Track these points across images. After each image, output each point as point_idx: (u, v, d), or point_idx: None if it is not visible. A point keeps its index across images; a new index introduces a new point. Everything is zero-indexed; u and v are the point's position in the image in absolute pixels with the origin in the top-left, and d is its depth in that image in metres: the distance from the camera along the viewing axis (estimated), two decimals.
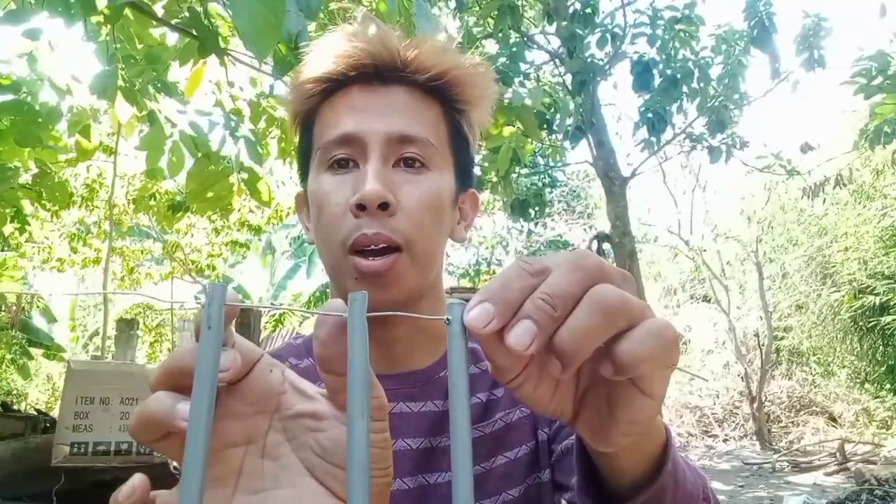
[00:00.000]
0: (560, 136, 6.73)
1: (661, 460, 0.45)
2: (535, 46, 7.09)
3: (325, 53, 0.67)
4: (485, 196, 7.51)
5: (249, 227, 8.02)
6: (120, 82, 2.33)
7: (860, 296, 8.13)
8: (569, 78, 6.46)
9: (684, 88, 6.44)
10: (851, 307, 8.22)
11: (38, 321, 9.10)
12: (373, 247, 0.61)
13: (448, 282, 12.31)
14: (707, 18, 6.45)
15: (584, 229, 14.19)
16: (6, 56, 2.58)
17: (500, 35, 6.37)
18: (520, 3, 6.46)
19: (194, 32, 1.87)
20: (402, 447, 0.67)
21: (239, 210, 7.60)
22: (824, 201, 7.89)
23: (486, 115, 0.73)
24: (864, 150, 5.77)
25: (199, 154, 2.58)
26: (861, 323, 8.32)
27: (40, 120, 2.53)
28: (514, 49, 6.36)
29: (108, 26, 2.29)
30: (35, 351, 8.51)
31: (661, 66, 6.42)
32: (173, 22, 2.01)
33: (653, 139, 6.60)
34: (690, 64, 6.42)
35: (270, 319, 10.45)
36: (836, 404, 9.23)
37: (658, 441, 0.44)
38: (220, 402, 0.34)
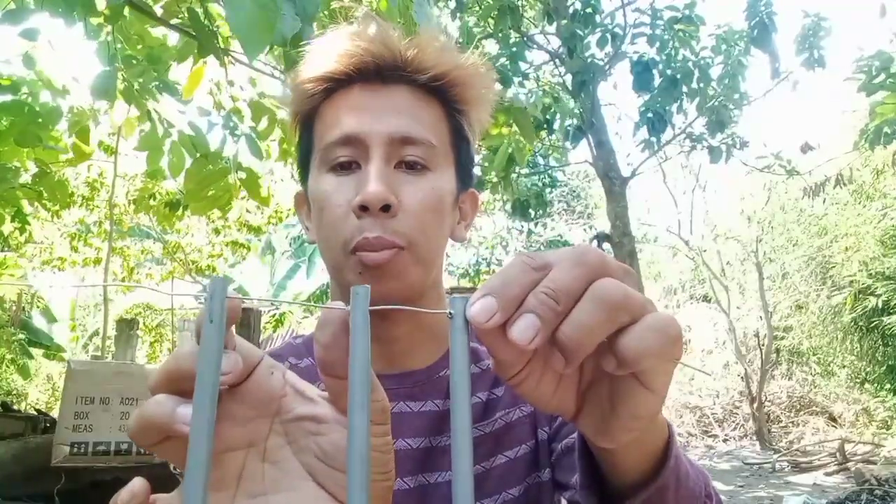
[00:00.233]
0: (560, 136, 6.73)
1: (664, 458, 0.45)
2: (535, 46, 7.09)
3: (327, 53, 0.67)
4: (485, 196, 7.51)
5: (249, 227, 8.01)
6: (119, 83, 2.34)
7: (860, 296, 8.13)
8: (569, 78, 6.46)
9: (684, 88, 6.44)
10: (853, 309, 8.22)
11: (39, 321, 9.09)
12: (374, 249, 0.61)
13: (448, 282, 12.31)
14: (707, 18, 6.45)
15: (584, 229, 14.19)
16: (6, 56, 2.58)
17: (500, 35, 6.37)
18: (520, 3, 6.46)
19: (193, 33, 1.87)
20: (402, 447, 0.67)
21: (238, 210, 7.60)
22: (824, 201, 7.89)
23: (487, 114, 0.73)
24: (864, 150, 5.77)
25: (198, 154, 2.57)
26: (861, 323, 8.32)
27: (40, 120, 2.53)
28: (514, 49, 6.36)
29: (109, 26, 2.29)
30: (35, 351, 8.50)
31: (661, 66, 6.43)
32: (172, 22, 2.02)
33: (653, 139, 6.60)
34: (690, 64, 6.42)
35: (271, 320, 10.45)
36: (836, 404, 9.23)
37: (660, 438, 0.44)
38: (221, 405, 0.34)
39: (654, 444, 0.44)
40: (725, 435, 9.59)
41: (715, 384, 10.30)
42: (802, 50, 6.34)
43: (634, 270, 0.36)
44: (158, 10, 2.00)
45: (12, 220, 3.34)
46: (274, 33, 1.12)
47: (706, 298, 11.79)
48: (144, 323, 9.48)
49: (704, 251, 10.87)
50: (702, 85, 6.50)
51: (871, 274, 7.96)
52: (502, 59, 6.07)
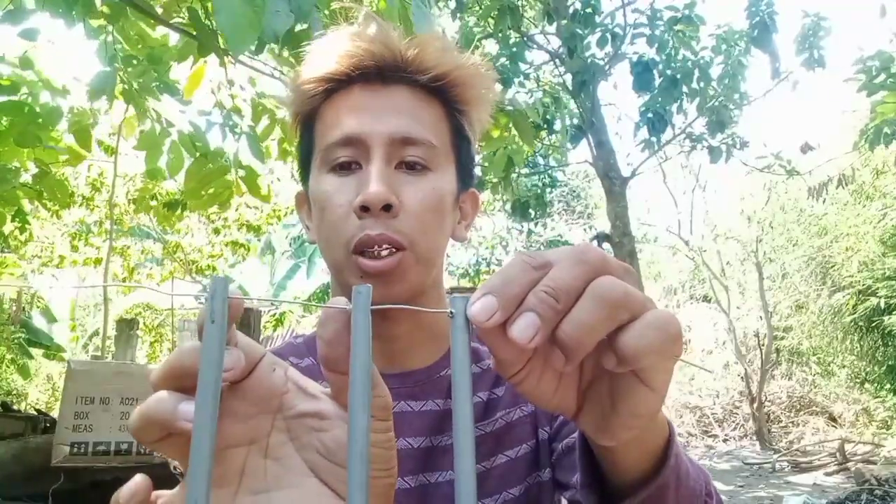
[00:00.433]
0: (560, 137, 6.73)
1: (664, 456, 0.45)
2: (535, 46, 7.09)
3: (327, 53, 0.66)
4: (485, 196, 7.52)
5: (248, 226, 8.01)
6: (119, 83, 2.34)
7: (861, 296, 8.13)
8: (569, 78, 6.46)
9: (684, 88, 6.44)
10: (854, 309, 8.22)
11: (39, 321, 9.10)
12: (376, 248, 0.61)
13: (448, 282, 12.31)
14: (707, 18, 6.45)
15: (584, 229, 14.19)
16: (7, 56, 2.58)
17: (500, 35, 6.37)
18: (520, 3, 6.46)
19: (193, 32, 1.87)
20: (403, 446, 0.67)
21: (237, 209, 7.61)
22: (824, 201, 7.89)
23: (487, 114, 0.73)
24: (864, 150, 5.77)
25: (198, 153, 2.58)
26: (861, 323, 8.32)
27: (40, 121, 2.53)
28: (514, 49, 6.36)
29: (109, 27, 2.29)
30: (35, 351, 8.50)
31: (661, 66, 6.42)
32: (172, 22, 2.01)
33: (653, 139, 6.60)
34: (690, 64, 6.42)
35: (271, 319, 10.45)
36: (836, 404, 9.23)
37: (661, 437, 0.44)
38: (223, 401, 0.34)
39: (655, 443, 0.44)
40: (725, 435, 9.59)
41: (715, 384, 10.30)
42: (802, 50, 6.33)
43: (634, 269, 0.36)
44: (159, 11, 2.00)
45: (12, 220, 3.34)
46: (260, 30, 1.12)
47: (706, 298, 11.79)
48: (144, 323, 9.48)
49: (704, 251, 10.87)
50: (702, 85, 6.50)
51: (871, 274, 7.96)
52: (502, 59, 6.07)
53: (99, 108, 3.08)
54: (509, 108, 2.76)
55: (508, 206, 7.58)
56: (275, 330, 10.35)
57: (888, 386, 8.25)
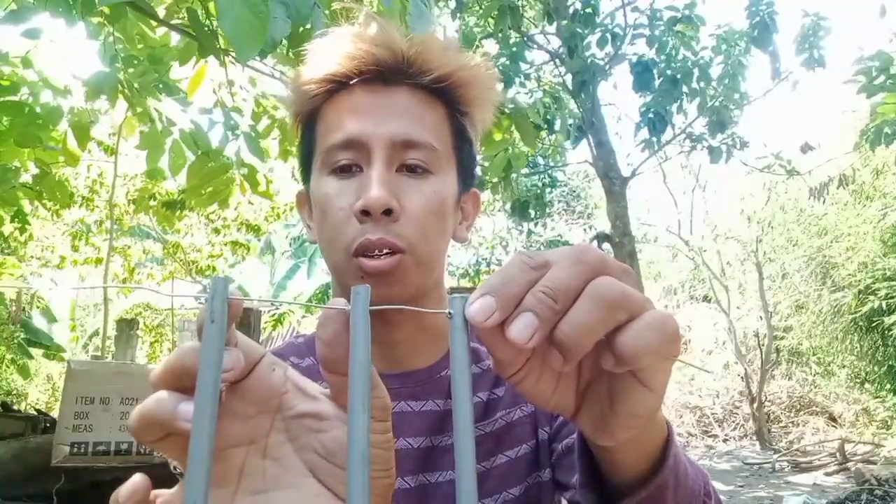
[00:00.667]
0: (561, 137, 6.73)
1: (662, 457, 0.45)
2: (535, 46, 7.09)
3: (329, 53, 0.66)
4: (485, 196, 7.51)
5: (248, 226, 8.01)
6: (120, 83, 2.34)
7: (861, 296, 8.13)
8: (569, 78, 6.46)
9: (684, 88, 6.44)
10: (855, 310, 8.21)
11: (39, 321, 9.10)
12: (377, 252, 0.61)
13: (448, 282, 12.30)
14: (707, 18, 6.45)
15: (584, 229, 14.19)
16: (8, 57, 2.57)
17: (500, 35, 6.37)
18: (520, 3, 6.46)
19: (194, 33, 1.87)
20: (403, 446, 0.67)
21: (236, 208, 7.60)
22: (824, 201, 7.89)
23: (489, 114, 0.73)
24: (865, 150, 5.77)
25: (199, 151, 2.58)
26: (861, 323, 8.32)
27: (40, 121, 2.53)
28: (514, 49, 6.36)
29: (110, 26, 2.29)
30: (35, 351, 8.50)
31: (661, 66, 6.43)
32: (173, 22, 2.02)
33: (653, 139, 6.60)
34: (690, 64, 6.42)
35: (270, 319, 10.45)
36: (836, 404, 9.23)
37: (659, 437, 0.44)
38: (222, 401, 0.34)
39: (653, 443, 0.44)
40: (725, 435, 9.59)
41: (715, 384, 10.30)
42: (802, 50, 6.33)
43: (633, 270, 0.36)
44: (161, 11, 2.00)
45: (12, 221, 3.34)
46: (265, 37, 1.12)
47: (706, 298, 11.79)
48: (144, 323, 9.48)
49: (704, 251, 10.86)
50: (702, 85, 6.50)
51: (871, 274, 7.96)
52: (502, 59, 6.07)
53: (99, 109, 3.08)
54: (510, 108, 2.76)
55: (508, 206, 7.59)
56: (274, 329, 10.35)
57: (888, 386, 8.25)
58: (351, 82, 0.66)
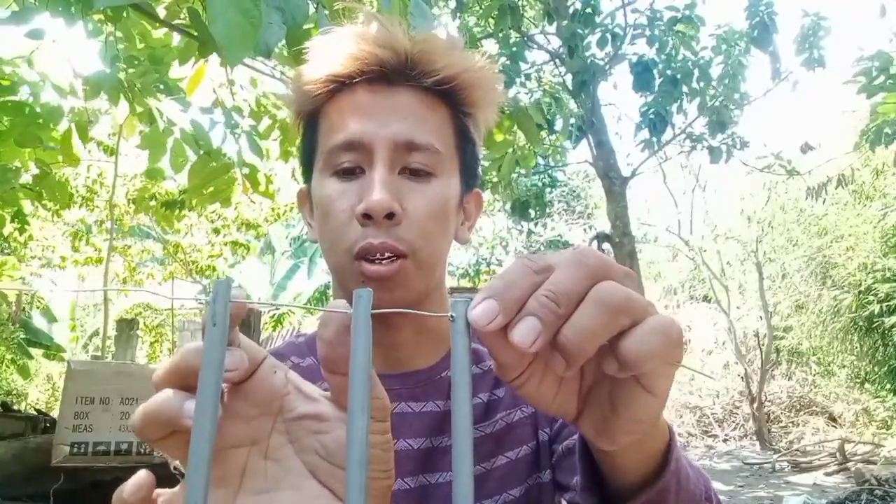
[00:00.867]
0: (562, 137, 6.73)
1: (665, 460, 0.45)
2: (535, 46, 7.09)
3: (332, 53, 0.66)
4: (485, 196, 7.50)
5: (248, 225, 8.01)
6: (121, 83, 2.34)
7: (861, 296, 8.13)
8: (569, 78, 6.46)
9: (684, 88, 6.44)
10: (855, 310, 8.21)
11: (39, 321, 9.10)
12: (378, 256, 0.61)
13: (448, 282, 12.28)
14: (707, 18, 6.45)
15: (584, 229, 14.19)
16: (9, 57, 2.57)
17: (501, 35, 6.37)
18: (520, 3, 6.46)
19: (194, 33, 1.87)
20: (403, 447, 0.67)
21: (236, 208, 7.60)
22: (824, 201, 7.88)
23: (493, 115, 0.73)
24: (865, 150, 5.77)
25: (201, 151, 2.58)
26: (861, 323, 8.32)
27: (40, 121, 2.53)
28: (515, 49, 6.36)
29: (110, 26, 2.29)
30: (35, 351, 8.50)
31: (661, 66, 6.43)
32: (174, 22, 2.01)
33: (653, 139, 6.60)
34: (690, 64, 6.42)
35: (270, 320, 10.45)
36: (836, 404, 9.23)
37: (661, 440, 0.44)
38: (224, 402, 0.34)
39: (655, 447, 0.44)
40: (725, 435, 9.59)
41: (715, 384, 10.30)
42: (802, 50, 6.34)
43: (634, 271, 0.36)
44: (161, 11, 2.00)
45: (12, 221, 3.34)
46: (256, 41, 1.11)
47: (706, 298, 11.79)
48: (144, 323, 9.48)
49: (704, 251, 10.87)
50: (702, 84, 6.50)
51: (871, 274, 7.96)
52: (502, 59, 6.06)
53: (98, 109, 3.08)
54: (512, 108, 2.76)
55: (508, 206, 7.59)
56: (274, 330, 10.35)
57: (888, 386, 8.25)
58: (354, 81, 0.66)
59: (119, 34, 2.35)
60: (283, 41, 1.36)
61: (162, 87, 2.48)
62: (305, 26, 1.38)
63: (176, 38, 2.48)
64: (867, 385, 8.84)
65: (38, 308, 9.25)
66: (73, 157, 2.81)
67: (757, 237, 10.21)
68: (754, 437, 9.11)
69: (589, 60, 6.26)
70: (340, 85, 0.66)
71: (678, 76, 6.36)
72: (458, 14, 6.26)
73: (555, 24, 6.62)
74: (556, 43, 6.93)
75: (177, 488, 0.35)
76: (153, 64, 2.38)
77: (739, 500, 5.96)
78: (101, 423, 3.41)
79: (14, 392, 9.06)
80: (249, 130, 2.65)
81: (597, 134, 6.43)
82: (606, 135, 6.52)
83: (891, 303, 7.65)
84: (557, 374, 0.36)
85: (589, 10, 6.36)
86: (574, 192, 15.00)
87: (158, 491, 0.34)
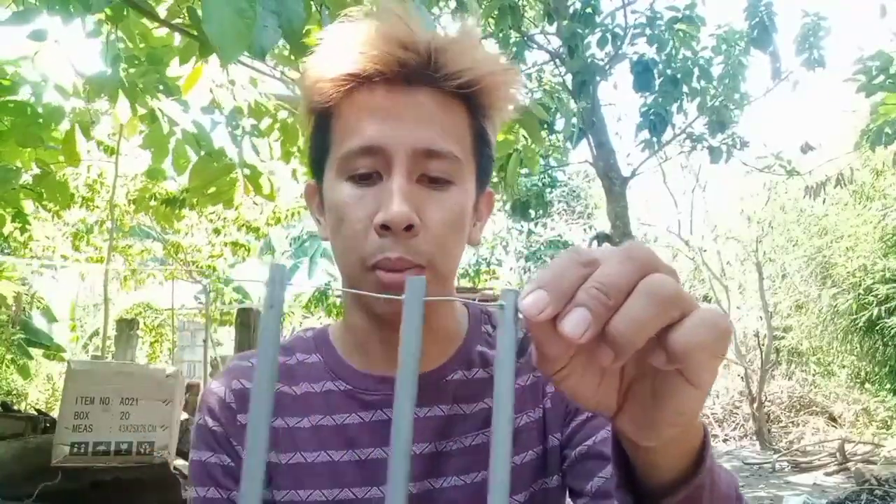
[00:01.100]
0: (562, 137, 6.73)
1: (699, 457, 0.44)
2: (535, 46, 7.09)
3: (348, 50, 0.62)
4: None
5: (248, 227, 8.01)
6: (123, 82, 2.34)
7: (861, 297, 8.13)
8: (569, 78, 6.47)
9: (684, 88, 6.45)
10: (855, 310, 8.21)
11: (39, 321, 9.10)
12: (393, 269, 0.60)
13: None
14: (707, 18, 6.46)
15: (584, 229, 14.20)
16: (11, 57, 2.57)
17: (500, 35, 6.37)
18: (520, 3, 6.46)
19: (194, 33, 1.87)
20: None
21: (236, 209, 7.61)
22: (824, 202, 7.88)
23: (510, 115, 0.71)
24: (865, 150, 5.77)
25: (202, 152, 2.57)
26: (861, 323, 8.32)
27: (41, 121, 2.53)
28: (515, 49, 6.36)
29: (110, 25, 2.29)
30: (35, 351, 8.50)
31: (661, 66, 6.43)
32: (174, 22, 2.01)
33: (653, 139, 6.61)
34: (690, 64, 6.43)
35: None
36: (836, 404, 9.23)
37: (697, 437, 0.44)
38: None
39: (692, 443, 0.44)
40: (725, 435, 9.59)
41: (715, 384, 10.29)
42: (802, 50, 6.34)
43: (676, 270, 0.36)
44: (162, 11, 2.00)
45: (13, 221, 3.34)
46: (250, 40, 1.11)
47: (706, 298, 11.78)
48: (144, 323, 9.48)
49: (704, 251, 10.87)
50: (703, 83, 6.50)
51: (871, 274, 7.96)
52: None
53: (99, 109, 3.07)
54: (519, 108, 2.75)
55: (508, 206, 7.59)
56: None
57: (888, 386, 8.25)
58: (370, 80, 0.62)
59: (120, 34, 2.35)
60: (283, 41, 1.36)
61: (161, 87, 2.48)
62: (307, 26, 1.38)
63: (177, 38, 2.48)
64: (867, 385, 8.84)
65: (38, 308, 9.25)
66: (76, 156, 2.81)
67: (757, 237, 10.21)
68: (754, 437, 9.11)
69: (589, 60, 6.26)
70: (356, 83, 0.63)
71: (678, 76, 6.36)
72: (459, 14, 6.25)
73: (555, 24, 6.62)
74: (556, 43, 6.93)
75: None
76: (153, 64, 2.38)
77: None
78: (101, 423, 3.41)
79: (14, 392, 9.05)
80: (251, 131, 2.65)
81: (597, 134, 6.43)
82: (606, 135, 6.52)
83: (891, 304, 7.65)
84: (604, 366, 0.35)
85: (589, 10, 6.36)
86: (574, 192, 15.01)
87: None
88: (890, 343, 8.01)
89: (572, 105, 6.29)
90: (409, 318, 0.32)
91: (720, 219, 11.67)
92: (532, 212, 7.66)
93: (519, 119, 2.64)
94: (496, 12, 5.98)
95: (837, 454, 7.13)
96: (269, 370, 0.31)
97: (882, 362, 8.35)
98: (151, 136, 2.58)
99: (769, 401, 9.52)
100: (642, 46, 6.52)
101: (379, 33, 0.61)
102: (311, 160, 0.72)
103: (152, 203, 5.41)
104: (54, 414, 4.69)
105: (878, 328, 7.97)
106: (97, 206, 6.98)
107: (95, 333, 10.51)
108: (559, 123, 6.54)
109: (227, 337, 9.74)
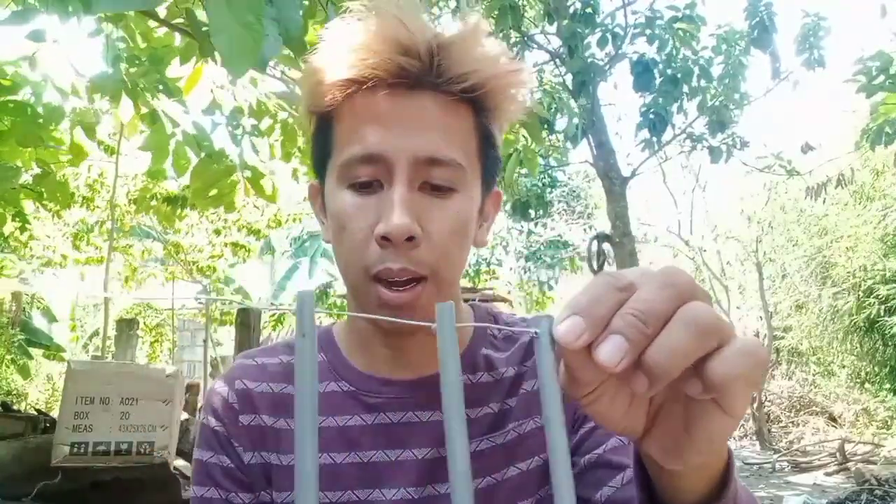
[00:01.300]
0: (563, 137, 6.73)
1: (724, 479, 0.44)
2: (535, 46, 7.09)
3: (349, 53, 0.60)
4: None
5: (249, 229, 8.01)
6: (124, 83, 2.34)
7: (861, 297, 8.13)
8: (569, 78, 6.46)
9: (685, 88, 6.45)
10: (855, 311, 8.21)
11: (39, 321, 9.09)
12: (396, 279, 0.59)
13: None
14: (707, 18, 6.45)
15: (584, 229, 14.18)
16: (10, 57, 2.57)
17: (501, 35, 6.37)
18: (520, 2, 6.46)
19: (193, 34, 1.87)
20: (409, 457, 0.66)
21: (238, 211, 7.60)
22: (824, 202, 7.88)
23: (517, 114, 0.69)
24: (865, 150, 5.77)
25: (203, 153, 2.57)
26: (861, 323, 8.32)
27: (41, 120, 2.53)
28: (515, 49, 6.36)
29: (111, 25, 2.29)
30: (35, 351, 8.50)
31: (661, 66, 6.43)
32: (174, 22, 2.01)
33: (653, 139, 6.60)
34: (690, 63, 6.43)
35: (270, 319, 10.44)
36: (836, 404, 9.22)
37: (722, 459, 0.43)
38: None
39: (717, 466, 0.43)
40: None
41: None
42: (802, 50, 6.34)
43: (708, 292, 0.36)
44: (162, 11, 2.00)
45: (13, 220, 3.34)
46: (258, 53, 1.11)
47: None
48: (144, 323, 9.48)
49: (704, 251, 10.86)
50: (703, 83, 6.50)
51: (871, 275, 7.96)
52: None
53: (100, 108, 3.08)
54: None
55: (508, 206, 7.59)
56: (274, 330, 10.35)
57: (888, 386, 8.25)
58: (372, 83, 0.60)
59: (121, 34, 2.35)
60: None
61: (161, 87, 2.48)
62: (312, 24, 1.39)
63: (178, 38, 2.48)
64: (867, 385, 8.84)
65: (38, 308, 9.25)
66: (82, 153, 2.81)
67: (757, 237, 10.21)
68: (754, 437, 9.10)
69: (589, 60, 6.26)
70: (357, 87, 0.61)
71: (678, 76, 6.36)
72: (458, 14, 6.24)
73: (555, 24, 6.62)
74: (556, 43, 6.93)
75: None
76: (154, 64, 2.38)
77: None
78: (101, 423, 3.41)
79: (14, 392, 9.05)
80: (251, 131, 2.65)
81: (597, 134, 6.43)
82: (606, 135, 6.52)
83: (891, 304, 7.65)
84: (637, 393, 0.34)
85: (589, 9, 6.36)
86: (574, 192, 15.00)
87: None
88: (890, 343, 8.01)
89: (572, 105, 6.29)
90: (444, 347, 0.32)
91: (720, 219, 11.66)
92: (532, 212, 7.65)
93: (520, 119, 2.63)
94: (496, 12, 5.98)
95: (837, 454, 7.13)
96: (310, 402, 0.31)
97: (882, 362, 8.35)
98: (152, 137, 2.59)
99: (769, 401, 9.52)
100: (642, 46, 6.52)
101: (379, 36, 0.59)
102: (313, 161, 0.70)
103: (153, 203, 5.41)
104: (54, 414, 4.68)
105: (878, 328, 7.96)
106: (97, 206, 6.98)
107: (95, 333, 10.50)
108: (559, 123, 6.53)
109: (227, 337, 9.74)
